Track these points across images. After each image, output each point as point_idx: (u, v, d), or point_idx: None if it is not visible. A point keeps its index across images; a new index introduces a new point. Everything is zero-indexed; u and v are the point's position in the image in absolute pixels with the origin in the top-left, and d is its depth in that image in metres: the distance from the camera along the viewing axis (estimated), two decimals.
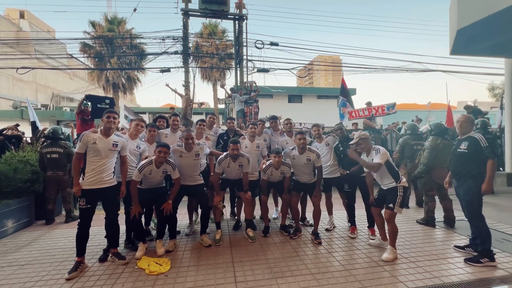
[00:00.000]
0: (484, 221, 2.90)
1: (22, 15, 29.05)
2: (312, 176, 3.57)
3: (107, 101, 5.68)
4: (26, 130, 7.76)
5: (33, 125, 6.56)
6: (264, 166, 3.65)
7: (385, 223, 3.10)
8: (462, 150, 2.94)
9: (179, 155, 3.30)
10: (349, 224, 3.82)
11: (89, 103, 5.45)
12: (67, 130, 5.14)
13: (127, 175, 3.09)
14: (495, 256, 2.82)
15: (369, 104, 7.23)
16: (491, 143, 6.21)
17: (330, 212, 3.99)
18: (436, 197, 4.15)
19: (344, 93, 8.04)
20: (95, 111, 5.37)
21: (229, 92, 9.23)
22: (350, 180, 3.73)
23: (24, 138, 6.35)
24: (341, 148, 3.79)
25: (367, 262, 2.88)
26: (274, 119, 4.54)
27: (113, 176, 2.93)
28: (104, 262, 2.95)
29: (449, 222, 4.02)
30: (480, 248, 2.87)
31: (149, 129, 3.54)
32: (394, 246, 2.96)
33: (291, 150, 3.63)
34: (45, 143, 4.68)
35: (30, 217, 4.41)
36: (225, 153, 3.51)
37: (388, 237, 3.06)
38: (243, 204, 3.76)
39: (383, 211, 3.14)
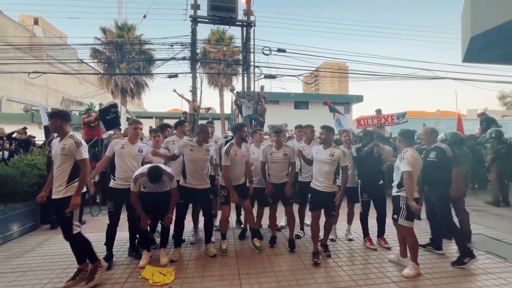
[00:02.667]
0: (454, 222, 3.20)
1: (36, 22, 30.00)
2: (331, 182, 3.20)
3: (113, 109, 5.80)
4: (36, 134, 7.87)
5: (46, 129, 6.66)
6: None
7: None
8: (431, 159, 3.21)
9: (190, 149, 3.16)
10: (363, 236, 3.69)
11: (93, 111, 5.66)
12: (74, 134, 5.16)
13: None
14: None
15: (378, 112, 7.10)
16: (506, 154, 5.98)
17: (334, 222, 3.86)
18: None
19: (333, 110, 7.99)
20: (105, 123, 5.54)
21: (236, 96, 9.25)
22: (369, 188, 3.61)
23: (33, 142, 6.42)
24: (366, 148, 3.64)
25: (379, 277, 2.75)
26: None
27: None
28: (108, 271, 2.88)
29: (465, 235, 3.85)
30: (460, 250, 3.06)
31: (153, 134, 3.49)
32: (414, 261, 2.81)
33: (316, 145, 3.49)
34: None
35: (36, 221, 4.39)
36: (230, 142, 3.40)
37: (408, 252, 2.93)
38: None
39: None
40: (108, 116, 5.69)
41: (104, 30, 18.12)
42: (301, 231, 3.97)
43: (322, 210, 3.27)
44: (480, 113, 7.29)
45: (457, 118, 7.66)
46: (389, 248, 3.49)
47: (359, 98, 23.08)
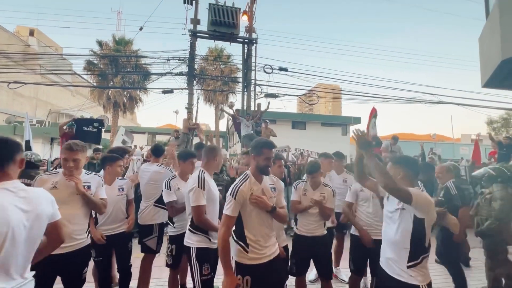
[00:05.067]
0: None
1: (31, 33, 29.62)
2: (405, 262, 1.66)
3: (96, 124, 5.06)
4: None
5: (27, 145, 5.83)
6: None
7: None
8: (440, 199, 3.00)
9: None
10: None
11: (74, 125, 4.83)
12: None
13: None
14: None
15: (395, 139, 6.51)
16: None
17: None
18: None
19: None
20: (80, 134, 4.72)
21: (234, 112, 8.70)
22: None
23: None
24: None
25: None
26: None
27: None
28: None
29: None
30: None
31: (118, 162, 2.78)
32: None
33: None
34: None
35: None
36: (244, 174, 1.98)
37: None
38: None
39: None
40: (86, 128, 4.94)
41: (100, 43, 17.73)
42: None
43: None
44: (505, 137, 6.58)
45: (475, 144, 7.07)
46: None
47: (356, 120, 22.93)
